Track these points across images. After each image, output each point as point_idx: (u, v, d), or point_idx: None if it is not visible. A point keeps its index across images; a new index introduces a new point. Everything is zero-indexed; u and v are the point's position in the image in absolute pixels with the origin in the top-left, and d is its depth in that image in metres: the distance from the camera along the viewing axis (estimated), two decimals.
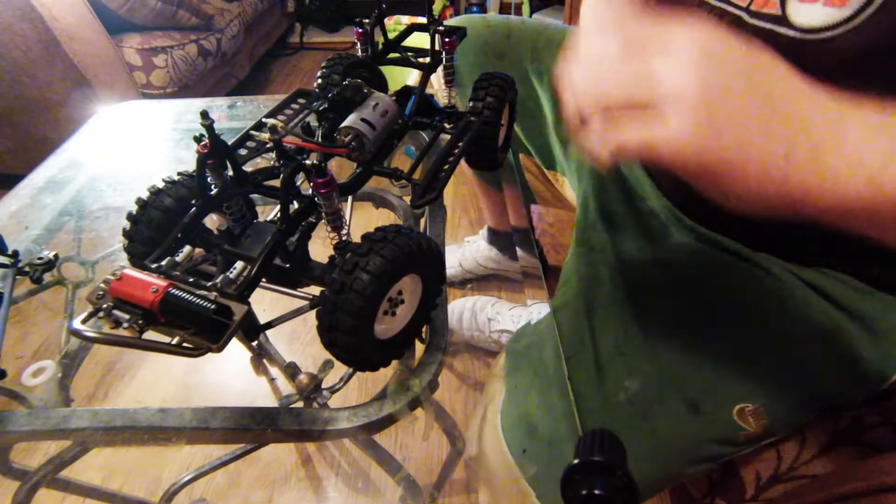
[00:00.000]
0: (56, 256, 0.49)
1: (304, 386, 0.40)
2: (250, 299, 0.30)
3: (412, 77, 0.73)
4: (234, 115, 0.72)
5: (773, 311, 0.43)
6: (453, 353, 0.87)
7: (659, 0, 0.48)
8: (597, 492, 0.25)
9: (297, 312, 0.37)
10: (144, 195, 0.36)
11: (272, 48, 2.19)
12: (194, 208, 0.32)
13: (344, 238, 0.33)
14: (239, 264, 0.32)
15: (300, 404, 0.41)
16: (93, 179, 0.62)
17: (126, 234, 0.36)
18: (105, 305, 0.26)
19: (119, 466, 0.76)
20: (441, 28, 0.46)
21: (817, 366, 0.43)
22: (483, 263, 1.04)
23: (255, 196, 0.37)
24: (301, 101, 0.45)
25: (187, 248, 0.33)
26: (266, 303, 0.37)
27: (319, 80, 0.48)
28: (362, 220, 0.50)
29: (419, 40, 0.48)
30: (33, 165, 0.63)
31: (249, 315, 0.28)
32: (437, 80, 0.72)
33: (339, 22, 2.39)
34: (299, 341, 0.73)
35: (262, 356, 0.58)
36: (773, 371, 0.42)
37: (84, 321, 0.26)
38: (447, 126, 0.44)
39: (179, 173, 0.37)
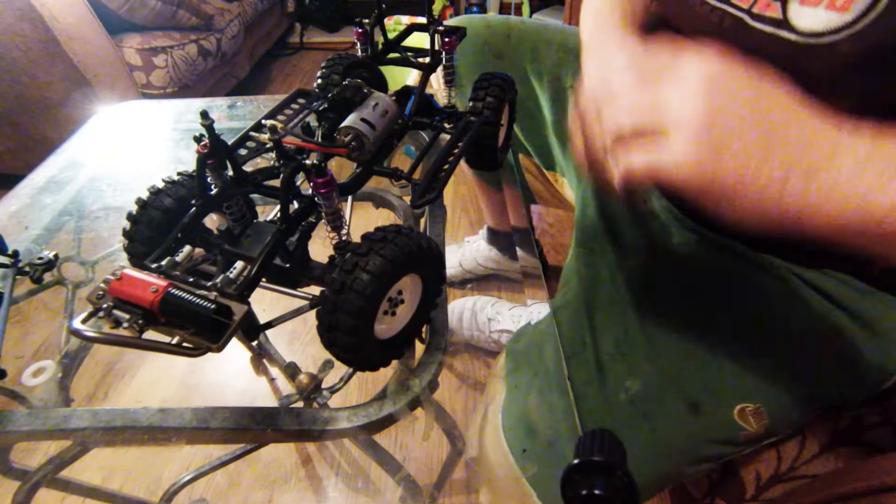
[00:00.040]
0: (56, 256, 0.49)
1: (304, 386, 0.40)
2: (250, 299, 0.30)
3: (412, 77, 0.73)
4: (234, 115, 0.72)
5: (773, 311, 0.43)
6: (453, 353, 0.87)
7: (661, 6, 0.48)
8: (597, 492, 0.25)
9: (297, 312, 0.37)
10: (144, 195, 0.36)
11: (272, 48, 2.19)
12: (194, 208, 0.32)
13: (344, 238, 0.33)
14: (239, 264, 0.32)
15: (300, 404, 0.41)
16: (93, 179, 0.62)
17: (126, 233, 0.36)
18: (105, 305, 0.26)
19: (119, 466, 0.76)
20: (441, 28, 0.46)
21: (818, 366, 0.43)
22: (483, 263, 1.04)
23: (255, 196, 0.37)
24: (301, 101, 0.45)
25: (187, 248, 0.33)
26: (266, 303, 0.37)
27: (319, 80, 0.48)
28: (362, 220, 0.50)
29: (419, 40, 0.48)
30: (33, 165, 0.63)
31: (249, 315, 0.28)
32: (436, 80, 0.72)
33: (339, 22, 2.39)
34: (299, 341, 0.73)
35: (262, 356, 0.58)
36: (774, 371, 0.42)
37: (84, 321, 0.26)
38: (447, 126, 0.44)
39: (179, 173, 0.37)
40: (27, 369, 0.43)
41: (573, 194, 0.66)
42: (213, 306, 0.26)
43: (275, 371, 0.58)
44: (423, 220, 0.55)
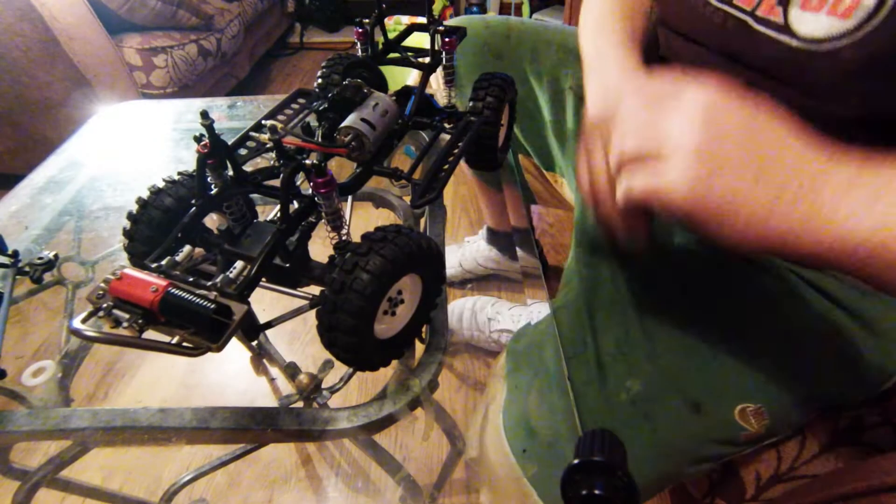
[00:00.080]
0: (56, 256, 0.49)
1: (304, 386, 0.40)
2: (250, 299, 0.30)
3: (412, 77, 0.73)
4: (234, 115, 0.72)
5: (774, 311, 0.43)
6: (453, 353, 0.87)
7: (662, 8, 0.48)
8: (597, 492, 0.25)
9: (297, 312, 0.37)
10: (145, 195, 0.36)
11: (272, 48, 2.19)
12: (194, 208, 0.32)
13: (344, 238, 0.33)
14: (239, 264, 0.32)
15: (300, 404, 0.41)
16: (93, 179, 0.62)
17: (126, 233, 0.36)
18: (105, 305, 0.26)
19: (119, 466, 0.76)
20: (441, 28, 0.46)
21: (818, 366, 0.43)
22: (483, 263, 1.04)
23: (255, 196, 0.37)
24: (301, 101, 0.45)
25: (187, 248, 0.33)
26: (266, 302, 0.37)
27: (319, 80, 0.48)
28: (362, 220, 0.50)
29: (419, 40, 0.48)
30: (33, 165, 0.63)
31: (249, 315, 0.28)
32: (435, 80, 0.72)
33: (339, 22, 2.39)
34: (299, 341, 0.73)
35: (262, 356, 0.58)
36: (775, 371, 0.42)
37: (84, 320, 0.26)
38: (447, 126, 0.44)
39: (179, 173, 0.37)
40: (27, 369, 0.43)
41: (573, 195, 0.66)
42: (212, 306, 0.26)
43: (275, 371, 0.58)
44: (423, 220, 0.55)
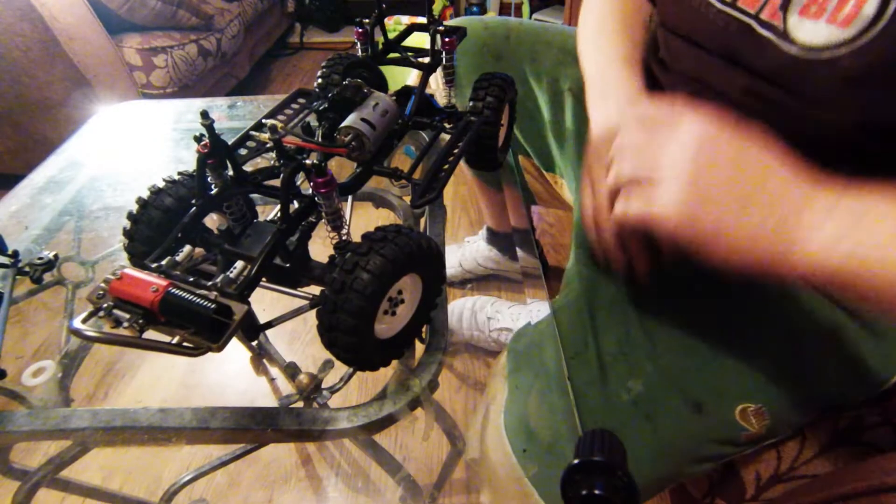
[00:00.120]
0: (56, 256, 0.49)
1: (304, 386, 0.40)
2: (250, 299, 0.30)
3: (412, 77, 0.73)
4: (234, 115, 0.72)
5: (775, 311, 0.43)
6: (453, 353, 0.87)
7: (664, 11, 0.48)
8: (597, 492, 0.25)
9: (297, 312, 0.37)
10: (145, 195, 0.36)
11: (272, 48, 2.19)
12: (194, 208, 0.32)
13: (344, 238, 0.33)
14: (239, 264, 0.32)
15: (300, 404, 0.41)
16: (93, 179, 0.62)
17: (126, 233, 0.36)
18: (105, 305, 0.26)
19: (119, 466, 0.76)
20: (441, 28, 0.46)
21: (819, 366, 0.43)
22: (483, 263, 1.04)
23: (255, 196, 0.37)
24: (301, 100, 0.45)
25: (187, 248, 0.33)
26: (266, 302, 0.37)
27: (319, 80, 0.48)
28: (362, 219, 0.50)
29: (419, 40, 0.48)
30: (33, 165, 0.63)
31: (249, 315, 0.28)
32: (434, 80, 0.72)
33: (339, 22, 2.39)
34: (299, 341, 0.73)
35: (262, 356, 0.58)
36: (775, 371, 0.42)
37: (84, 320, 0.26)
38: (447, 126, 0.44)
39: (180, 173, 0.37)
40: (27, 369, 0.43)
41: (572, 196, 0.66)
42: (213, 306, 0.26)
43: (275, 371, 0.58)
44: (423, 220, 0.55)
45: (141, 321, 0.26)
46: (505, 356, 0.50)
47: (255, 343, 0.57)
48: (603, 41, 0.51)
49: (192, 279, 0.28)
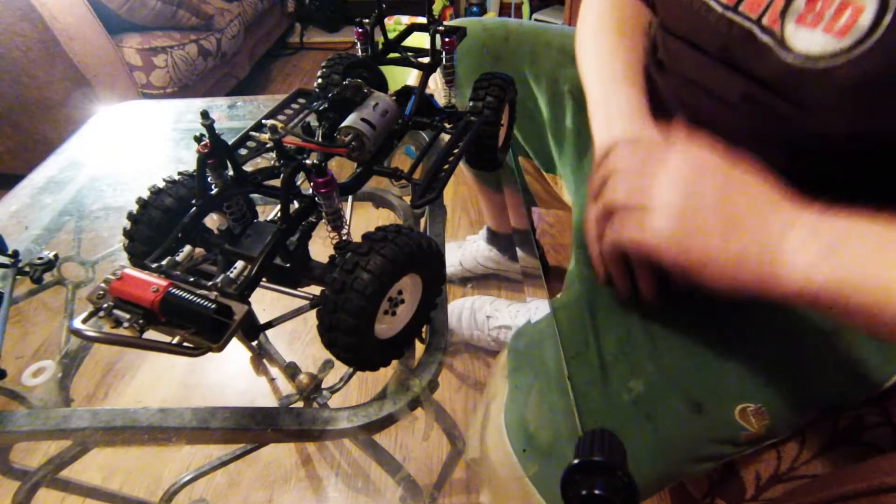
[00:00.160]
0: (56, 256, 0.49)
1: (304, 386, 0.40)
2: (250, 299, 0.30)
3: (412, 77, 0.73)
4: (234, 115, 0.72)
5: (775, 310, 0.43)
6: (453, 353, 0.87)
7: (666, 15, 0.48)
8: (597, 492, 0.25)
9: (297, 312, 0.37)
10: (145, 195, 0.36)
11: (272, 48, 2.19)
12: (195, 208, 0.32)
13: (344, 238, 0.33)
14: (239, 264, 0.32)
15: (300, 404, 0.41)
16: (93, 179, 0.62)
17: (126, 233, 0.36)
18: (105, 305, 0.26)
19: (119, 466, 0.76)
20: (441, 28, 0.46)
21: (819, 366, 0.43)
22: (483, 263, 1.04)
23: (255, 196, 0.37)
24: (301, 100, 0.45)
25: (187, 248, 0.33)
26: (266, 302, 0.37)
27: (319, 80, 0.48)
28: (362, 219, 0.50)
29: (419, 40, 0.48)
30: (33, 165, 0.63)
31: (249, 315, 0.28)
32: (433, 81, 0.72)
33: (339, 22, 2.39)
34: (299, 341, 0.73)
35: (262, 356, 0.58)
36: (775, 371, 0.42)
37: (84, 321, 0.26)
38: (447, 126, 0.44)
39: (180, 173, 0.37)
40: (27, 369, 0.43)
41: (571, 197, 0.66)
42: (213, 306, 0.26)
43: (275, 371, 0.58)
44: (423, 220, 0.55)
45: (141, 321, 0.26)
46: (505, 355, 0.50)
47: (255, 343, 0.57)
48: (603, 57, 0.51)
49: (192, 279, 0.28)
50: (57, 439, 0.40)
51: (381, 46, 0.48)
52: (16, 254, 0.47)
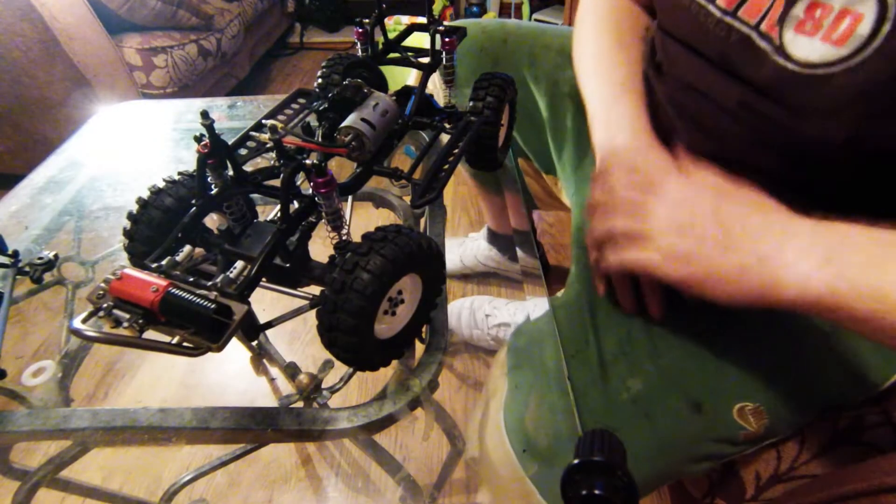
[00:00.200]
0: (56, 256, 0.49)
1: (304, 386, 0.40)
2: (250, 299, 0.30)
3: (412, 77, 0.73)
4: (234, 115, 0.72)
5: (774, 310, 0.43)
6: (453, 353, 0.87)
7: (665, 19, 0.48)
8: (597, 492, 0.25)
9: (297, 312, 0.37)
10: (145, 195, 0.36)
11: (272, 48, 2.19)
12: (194, 208, 0.32)
13: (344, 238, 0.33)
14: (239, 264, 0.32)
15: (300, 404, 0.41)
16: (93, 179, 0.62)
17: (126, 233, 0.36)
18: (105, 305, 0.26)
19: (119, 466, 0.76)
20: (441, 28, 0.46)
21: (818, 366, 0.43)
22: (483, 262, 1.04)
23: (255, 196, 0.37)
24: (301, 100, 0.45)
25: (187, 248, 0.33)
26: (266, 302, 0.37)
27: (319, 80, 0.48)
28: (362, 219, 0.50)
29: (419, 40, 0.48)
30: (33, 165, 0.63)
31: (249, 315, 0.28)
32: (432, 82, 0.72)
33: (339, 22, 2.39)
34: (299, 341, 0.73)
35: (262, 356, 0.58)
36: (775, 371, 0.42)
37: (84, 320, 0.26)
38: (447, 126, 0.44)
39: (180, 173, 0.37)
40: (27, 369, 0.43)
41: (570, 199, 0.66)
42: (213, 306, 0.26)
43: (275, 371, 0.58)
44: (423, 220, 0.55)
45: (141, 321, 0.26)
46: (505, 352, 0.50)
47: (255, 343, 0.57)
48: (601, 64, 0.52)
49: (192, 279, 0.28)
50: (57, 439, 0.40)
51: (381, 46, 0.48)
52: (16, 254, 0.47)
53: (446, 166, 0.39)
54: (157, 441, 0.36)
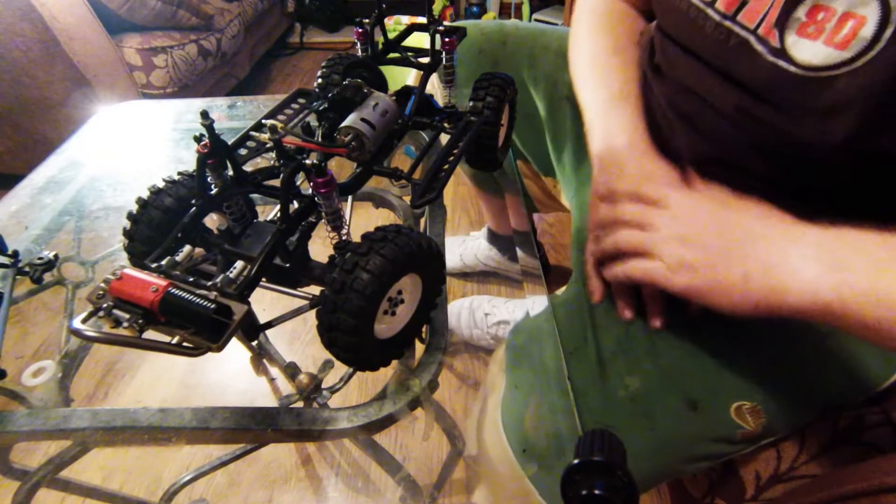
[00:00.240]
0: (56, 256, 0.49)
1: (304, 386, 0.40)
2: (250, 299, 0.30)
3: (412, 77, 0.73)
4: (234, 115, 0.72)
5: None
6: (453, 353, 0.87)
7: (664, 22, 0.48)
8: (597, 492, 0.25)
9: (297, 312, 0.37)
10: (145, 195, 0.36)
11: (272, 48, 2.19)
12: (194, 208, 0.32)
13: (344, 238, 0.33)
14: (239, 264, 0.32)
15: (300, 404, 0.41)
16: (93, 179, 0.62)
17: (126, 233, 0.35)
18: (105, 305, 0.26)
19: (119, 466, 0.76)
20: (441, 28, 0.46)
21: (817, 365, 0.43)
22: (483, 261, 1.04)
23: (255, 196, 0.37)
24: (301, 100, 0.45)
25: (187, 248, 0.33)
26: (266, 302, 0.37)
27: (319, 80, 0.48)
28: (362, 219, 0.50)
29: (419, 40, 0.48)
30: (33, 165, 0.63)
31: (249, 315, 0.28)
32: (431, 83, 0.72)
33: (339, 22, 2.39)
34: (299, 341, 0.73)
35: (262, 356, 0.58)
36: (773, 370, 0.42)
37: (84, 320, 0.26)
38: (447, 126, 0.44)
39: (180, 173, 0.37)
40: (27, 369, 0.43)
41: (569, 201, 0.66)
42: (213, 306, 0.26)
43: (275, 371, 0.58)
44: (422, 220, 0.55)
45: (141, 321, 0.26)
46: (503, 349, 0.50)
47: (255, 343, 0.57)
48: (598, 69, 0.52)
49: (192, 279, 0.28)
50: (57, 439, 0.40)
51: (381, 46, 0.48)
52: (16, 254, 0.47)
53: (446, 166, 0.39)
54: (157, 441, 0.36)
